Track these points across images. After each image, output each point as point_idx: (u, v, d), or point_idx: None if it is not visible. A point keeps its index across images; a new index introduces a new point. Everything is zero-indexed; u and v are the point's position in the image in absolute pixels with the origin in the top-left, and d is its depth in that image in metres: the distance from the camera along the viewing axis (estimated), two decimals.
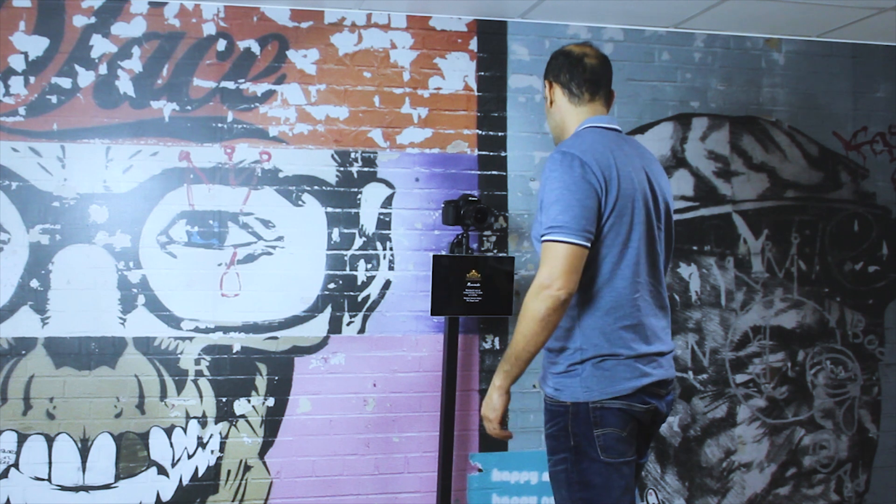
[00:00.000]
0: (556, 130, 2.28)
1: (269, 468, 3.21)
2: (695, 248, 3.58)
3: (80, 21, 3.11)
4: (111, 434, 3.09)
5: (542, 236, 1.99)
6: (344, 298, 3.28)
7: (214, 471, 3.18)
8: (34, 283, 3.05)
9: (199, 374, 3.16)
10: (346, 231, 3.29)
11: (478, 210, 3.09)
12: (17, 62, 3.07)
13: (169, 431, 3.14)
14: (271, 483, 3.21)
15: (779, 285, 3.66)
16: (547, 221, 1.98)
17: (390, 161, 3.33)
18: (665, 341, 2.14)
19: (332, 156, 3.29)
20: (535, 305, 1.95)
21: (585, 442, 2.03)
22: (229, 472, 3.18)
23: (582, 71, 2.20)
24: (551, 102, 2.27)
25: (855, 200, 3.74)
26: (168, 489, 3.14)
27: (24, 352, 3.04)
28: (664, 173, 2.26)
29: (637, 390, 2.04)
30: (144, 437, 3.12)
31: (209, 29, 3.21)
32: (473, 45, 3.42)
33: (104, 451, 3.08)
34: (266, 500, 3.21)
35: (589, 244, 1.98)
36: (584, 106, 2.21)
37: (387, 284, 3.32)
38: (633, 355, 2.05)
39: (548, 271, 1.94)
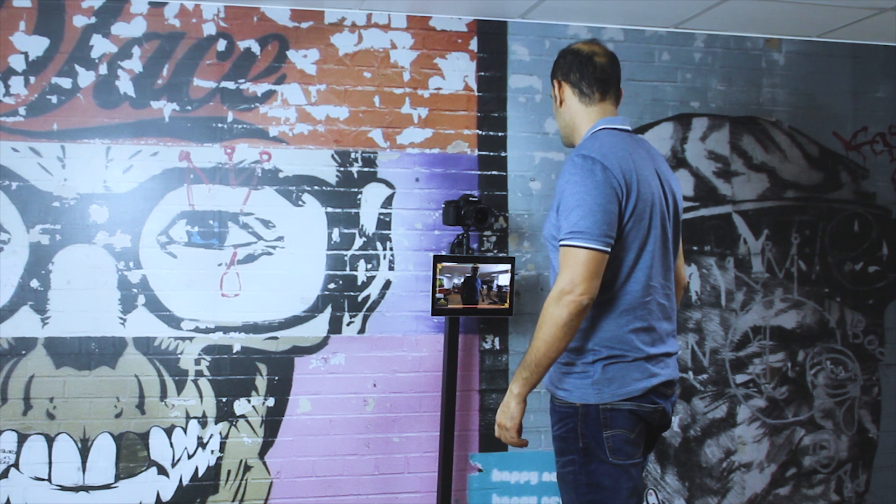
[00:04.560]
0: (567, 130, 2.26)
1: (269, 468, 3.21)
2: (695, 248, 3.58)
3: (80, 21, 3.12)
4: (111, 434, 3.09)
5: (562, 241, 1.98)
6: (344, 298, 3.28)
7: (214, 471, 3.18)
8: (34, 283, 3.05)
9: (199, 374, 3.16)
10: (346, 231, 3.29)
11: (478, 210, 3.09)
12: (17, 62, 3.07)
13: (169, 431, 3.14)
14: (271, 483, 3.21)
15: (779, 285, 3.66)
16: (567, 226, 1.97)
17: (390, 161, 3.33)
18: (671, 343, 2.14)
19: (333, 156, 3.29)
20: (558, 311, 1.94)
21: (595, 443, 2.02)
22: (229, 472, 3.18)
23: (592, 70, 2.18)
24: (561, 102, 2.24)
25: (855, 200, 3.74)
26: (168, 489, 3.14)
27: (24, 352, 3.04)
28: (673, 175, 2.25)
29: (647, 391, 2.04)
30: (144, 437, 3.12)
31: (209, 29, 3.21)
32: (473, 45, 3.42)
33: (104, 451, 3.08)
34: (266, 500, 3.21)
35: (609, 249, 1.97)
36: (594, 106, 2.19)
37: (387, 284, 3.32)
38: (643, 356, 2.05)
39: (569, 277, 1.93)
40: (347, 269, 3.29)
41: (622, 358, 2.03)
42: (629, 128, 2.20)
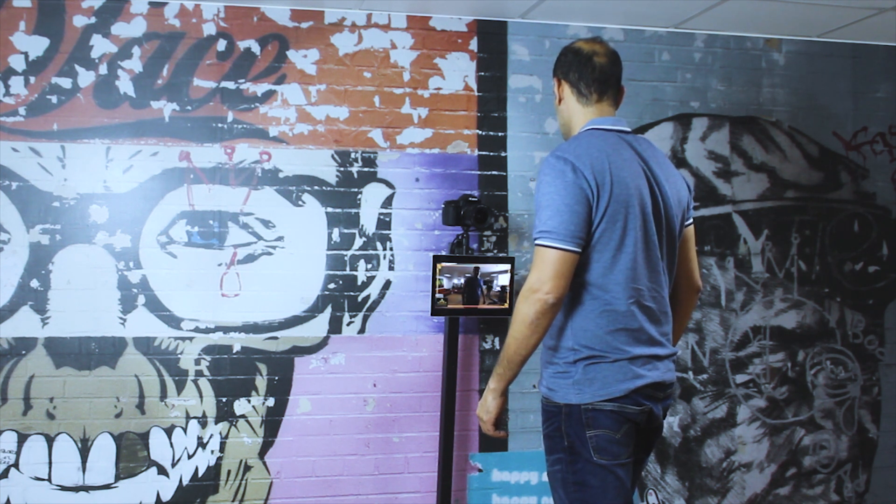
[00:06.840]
0: (564, 128, 2.27)
1: (269, 468, 3.21)
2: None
3: (80, 21, 3.12)
4: (111, 434, 3.10)
5: (534, 240, 2.01)
6: (344, 298, 3.28)
7: (214, 471, 3.18)
8: (34, 283, 3.05)
9: (199, 374, 3.16)
10: (346, 231, 3.29)
11: (478, 210, 3.09)
12: (17, 62, 3.07)
13: (169, 431, 3.14)
14: (271, 483, 3.21)
15: (779, 285, 3.66)
16: (538, 225, 2.00)
17: (390, 161, 3.34)
18: (664, 345, 2.12)
19: (333, 156, 3.29)
20: (525, 309, 1.97)
21: (579, 443, 2.03)
22: (229, 472, 3.18)
23: (591, 71, 2.17)
24: (560, 100, 2.24)
25: (855, 200, 3.74)
26: (168, 489, 3.14)
27: (24, 352, 3.04)
28: (676, 176, 2.22)
29: (630, 392, 2.03)
30: (144, 437, 3.12)
31: (209, 29, 3.21)
32: (473, 45, 3.42)
33: (104, 451, 3.08)
34: (266, 500, 3.21)
35: (579, 249, 1.98)
36: (591, 106, 2.19)
37: (387, 284, 3.32)
38: (626, 357, 2.04)
39: (537, 275, 1.96)
40: (347, 269, 3.29)
41: (603, 358, 2.03)
42: (624, 128, 2.18)
